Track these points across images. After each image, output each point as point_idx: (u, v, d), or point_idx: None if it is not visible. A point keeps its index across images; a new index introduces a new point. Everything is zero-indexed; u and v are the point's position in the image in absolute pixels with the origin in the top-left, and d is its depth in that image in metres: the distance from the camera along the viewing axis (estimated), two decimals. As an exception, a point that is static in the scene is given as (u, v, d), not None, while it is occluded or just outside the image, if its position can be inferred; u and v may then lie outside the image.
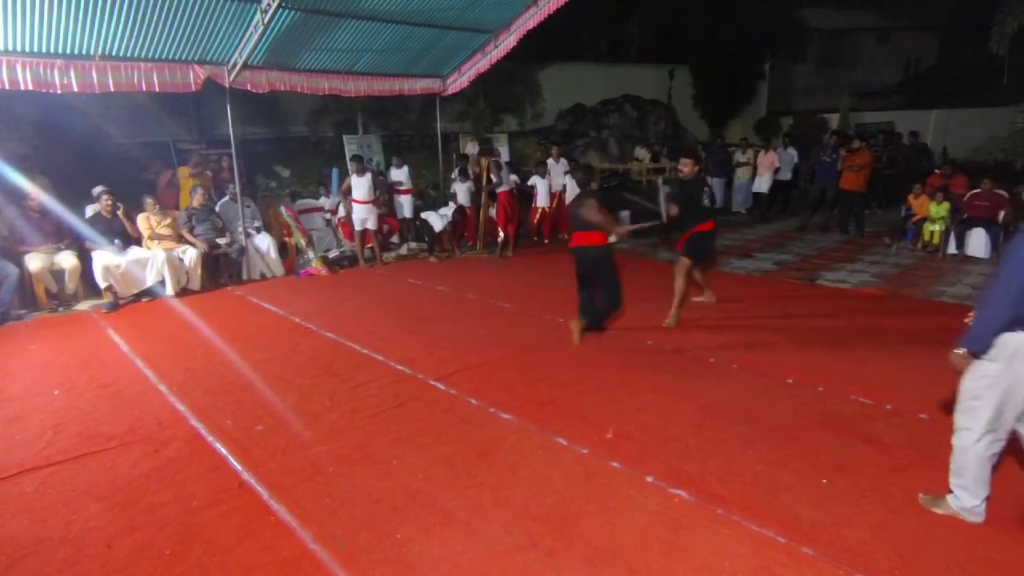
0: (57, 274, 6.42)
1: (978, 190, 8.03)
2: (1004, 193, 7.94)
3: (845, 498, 2.79)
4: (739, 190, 12.25)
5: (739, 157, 12.08)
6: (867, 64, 23.90)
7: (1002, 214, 7.73)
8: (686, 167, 5.47)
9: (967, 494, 2.58)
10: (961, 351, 2.52)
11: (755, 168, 11.78)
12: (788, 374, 4.20)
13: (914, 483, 2.90)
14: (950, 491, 2.65)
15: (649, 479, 2.96)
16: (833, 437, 3.35)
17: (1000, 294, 2.38)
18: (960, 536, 2.52)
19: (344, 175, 9.99)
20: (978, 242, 7.77)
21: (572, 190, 9.44)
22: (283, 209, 8.44)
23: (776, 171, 11.50)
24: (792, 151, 11.81)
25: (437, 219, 8.70)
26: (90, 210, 6.83)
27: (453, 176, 9.24)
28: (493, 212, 8.80)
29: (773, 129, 18.08)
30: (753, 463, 3.10)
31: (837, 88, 20.50)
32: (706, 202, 5.40)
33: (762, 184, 11.63)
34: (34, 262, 6.23)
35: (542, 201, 9.25)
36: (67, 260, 6.41)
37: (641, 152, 16.78)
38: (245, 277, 7.54)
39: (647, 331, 5.16)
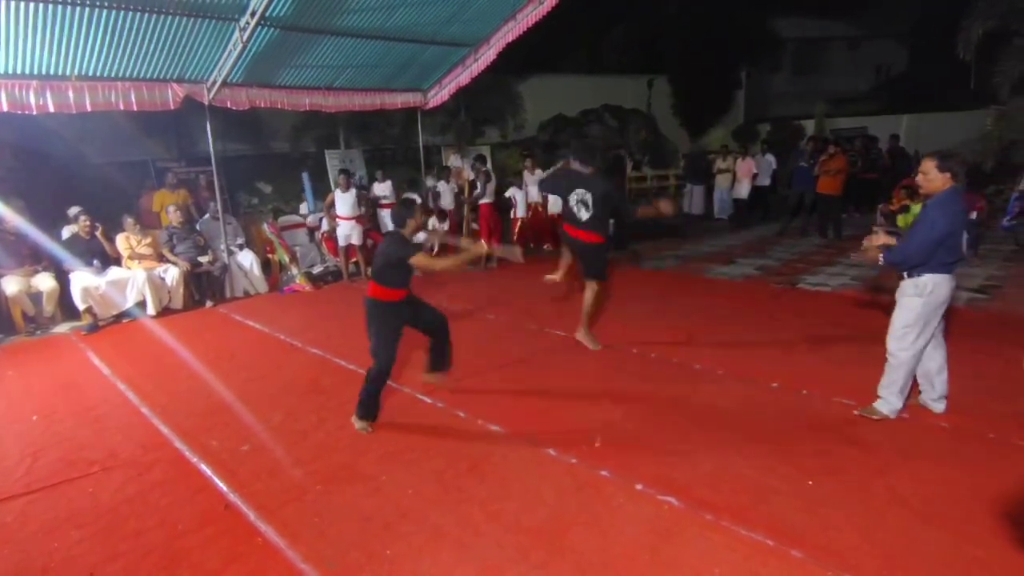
0: (34, 297, 6.31)
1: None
2: (976, 193, 8.14)
3: (832, 500, 2.82)
4: (719, 197, 12.41)
5: (720, 164, 12.26)
6: (840, 71, 24.44)
7: (975, 214, 7.91)
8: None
9: (896, 399, 3.49)
10: (881, 260, 3.40)
11: (735, 175, 11.96)
12: (772, 379, 4.25)
13: (898, 483, 2.94)
14: (878, 398, 3.56)
15: (639, 487, 2.97)
16: (818, 440, 3.38)
17: (926, 241, 3.21)
18: (946, 536, 2.56)
19: (315, 180, 9.95)
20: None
21: (555, 200, 9.53)
22: (266, 226, 8.39)
23: (755, 177, 11.70)
24: (770, 157, 12.02)
25: (422, 235, 8.68)
26: (67, 231, 6.73)
27: (433, 184, 9.27)
28: (475, 224, 8.83)
29: (751, 136, 18.38)
30: (741, 468, 3.12)
31: (811, 95, 20.91)
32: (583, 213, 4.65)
33: (741, 190, 11.81)
34: (10, 285, 6.11)
35: (520, 212, 9.31)
36: (45, 282, 6.30)
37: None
38: (228, 295, 7.46)
39: (632, 340, 5.19)
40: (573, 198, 4.64)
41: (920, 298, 3.33)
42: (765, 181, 11.88)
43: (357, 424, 3.73)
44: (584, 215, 4.61)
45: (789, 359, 4.66)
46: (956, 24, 10.62)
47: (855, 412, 3.62)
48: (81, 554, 2.66)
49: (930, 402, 3.62)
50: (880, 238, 3.50)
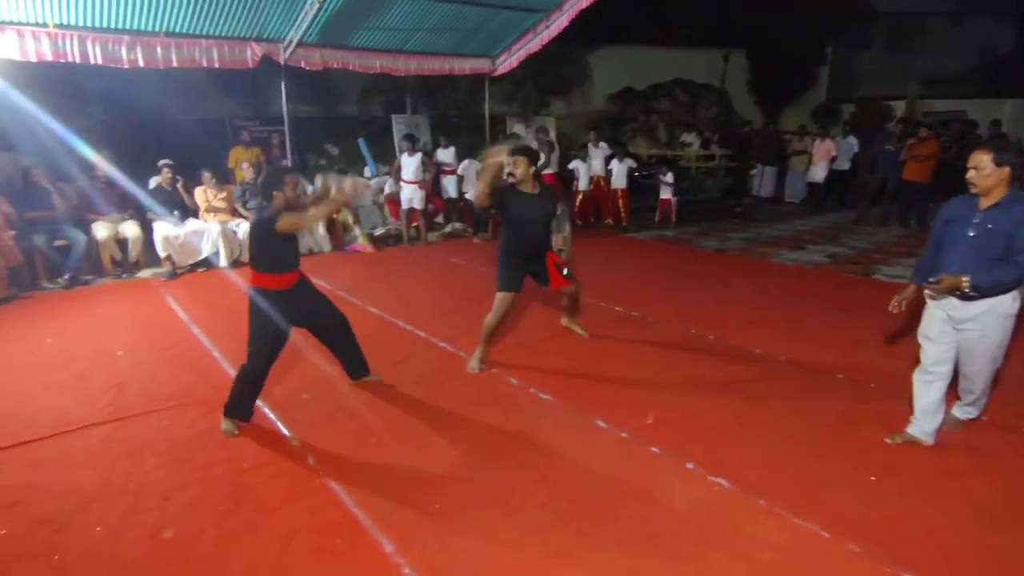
0: (121, 242, 6.76)
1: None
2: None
3: (895, 497, 2.70)
4: (793, 180, 11.84)
5: (796, 145, 11.65)
6: (938, 50, 22.47)
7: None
8: (519, 168, 3.84)
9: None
10: (966, 287, 2.80)
11: (811, 157, 11.36)
12: (838, 370, 4.07)
13: (969, 484, 2.78)
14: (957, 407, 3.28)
15: (689, 466, 2.93)
16: (884, 435, 3.22)
17: None
18: (1016, 540, 2.41)
19: (378, 145, 10.07)
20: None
21: (619, 174, 9.35)
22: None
23: (833, 160, 11.07)
24: (852, 140, 11.31)
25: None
26: (153, 182, 7.14)
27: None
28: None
29: (832, 117, 17.35)
30: (797, 456, 3.02)
31: (904, 74, 19.41)
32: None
33: (817, 174, 11.22)
34: (101, 230, 6.57)
35: (583, 185, 9.18)
36: (131, 229, 6.74)
37: (690, 138, 16.38)
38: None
39: (688, 321, 5.07)
40: None
41: (1013, 316, 2.92)
42: (844, 165, 11.21)
43: (224, 424, 3.26)
44: None
45: (858, 351, 4.44)
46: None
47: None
48: (157, 480, 2.87)
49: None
50: (946, 281, 2.83)
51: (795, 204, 11.59)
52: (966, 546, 2.40)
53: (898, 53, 22.51)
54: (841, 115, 17.22)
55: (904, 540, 2.41)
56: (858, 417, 3.44)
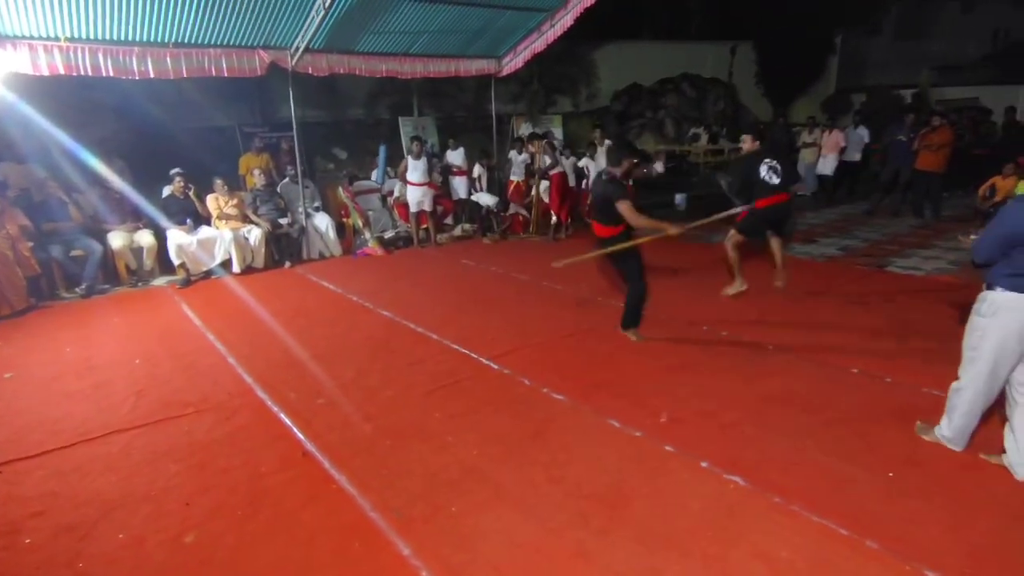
0: (136, 251, 6.84)
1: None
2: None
3: (914, 493, 2.67)
4: (804, 172, 11.71)
5: (806, 137, 11.54)
6: (950, 36, 22.13)
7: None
8: (746, 143, 5.59)
9: (948, 428, 2.95)
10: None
11: (820, 148, 11.24)
12: (853, 364, 4.03)
13: (991, 480, 2.75)
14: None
15: (704, 464, 2.93)
16: (902, 431, 3.20)
17: (989, 236, 2.69)
18: (1041, 538, 2.38)
19: (391, 152, 10.11)
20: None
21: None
22: (341, 190, 8.66)
23: (842, 152, 10.95)
24: (862, 131, 11.18)
25: (487, 198, 8.78)
26: (167, 190, 7.22)
27: (510, 156, 9.28)
28: (546, 195, 8.76)
29: (842, 107, 17.18)
30: (814, 453, 3.01)
31: (916, 62, 19.15)
32: (774, 179, 5.19)
33: (827, 166, 11.10)
34: (116, 240, 6.66)
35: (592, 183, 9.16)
36: (145, 238, 6.82)
37: (699, 133, 16.30)
38: (305, 256, 7.81)
39: (701, 319, 5.05)
40: (763, 168, 5.22)
41: (982, 318, 2.69)
42: (855, 156, 11.08)
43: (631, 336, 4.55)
44: (776, 180, 5.20)
45: (873, 345, 4.40)
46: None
47: (917, 423, 3.16)
48: (178, 485, 2.91)
49: (1015, 465, 2.75)
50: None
51: (805, 197, 11.49)
52: (988, 543, 2.37)
53: (909, 40, 22.18)
54: (852, 105, 17.05)
55: (924, 537, 2.40)
56: (875, 412, 3.42)
